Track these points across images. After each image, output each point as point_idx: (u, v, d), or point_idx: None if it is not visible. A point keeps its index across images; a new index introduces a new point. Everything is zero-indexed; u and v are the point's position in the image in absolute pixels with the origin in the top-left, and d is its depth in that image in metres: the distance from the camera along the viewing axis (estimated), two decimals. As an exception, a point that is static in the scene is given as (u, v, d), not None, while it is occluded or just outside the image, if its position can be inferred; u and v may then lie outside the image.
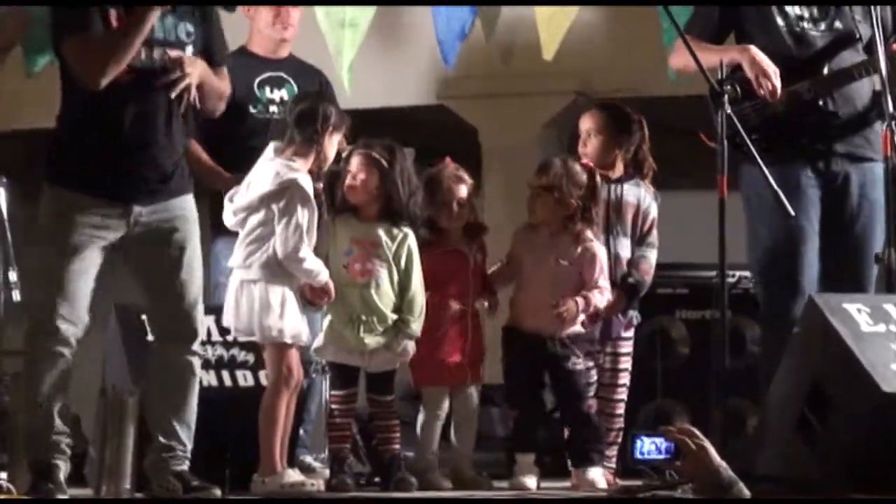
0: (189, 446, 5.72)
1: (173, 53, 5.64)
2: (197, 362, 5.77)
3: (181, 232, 5.73)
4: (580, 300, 6.20)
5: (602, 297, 6.28)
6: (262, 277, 5.82)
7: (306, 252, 5.83)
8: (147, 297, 5.81)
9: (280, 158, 5.89)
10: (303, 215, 5.83)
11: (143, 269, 5.75)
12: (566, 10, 7.84)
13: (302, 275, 5.84)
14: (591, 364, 6.36)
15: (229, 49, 6.14)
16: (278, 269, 5.83)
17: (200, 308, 5.76)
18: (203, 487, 5.63)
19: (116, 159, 5.63)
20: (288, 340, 5.83)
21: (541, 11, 7.86)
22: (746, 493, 4.58)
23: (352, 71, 7.74)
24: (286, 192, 5.82)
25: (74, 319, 5.59)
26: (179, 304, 5.72)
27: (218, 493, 5.65)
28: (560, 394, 6.27)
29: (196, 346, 5.75)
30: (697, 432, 4.68)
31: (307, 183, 5.84)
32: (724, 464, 4.60)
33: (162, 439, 5.69)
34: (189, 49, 5.69)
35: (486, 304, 6.37)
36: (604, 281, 6.30)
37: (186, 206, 5.76)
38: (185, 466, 5.70)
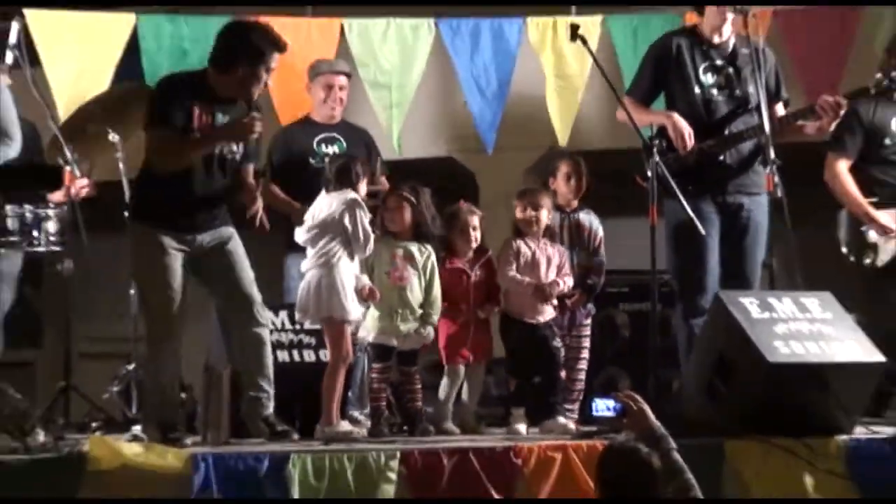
0: (272, 392, 5.67)
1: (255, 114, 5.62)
2: (265, 332, 5.70)
3: (230, 244, 5.74)
4: (561, 281, 6.22)
5: (570, 280, 6.28)
6: (333, 274, 5.82)
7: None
8: (217, 294, 5.78)
9: (333, 192, 5.94)
10: (367, 219, 5.86)
11: (212, 275, 5.74)
12: (574, 92, 7.79)
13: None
14: (561, 344, 6.35)
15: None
16: (346, 268, 5.84)
17: (256, 292, 5.70)
18: (285, 431, 5.63)
19: (189, 205, 5.63)
20: (350, 318, 5.83)
21: (551, 102, 7.83)
22: (673, 443, 4.54)
23: (401, 141, 7.90)
24: (350, 208, 5.84)
25: (179, 319, 5.63)
26: (240, 292, 5.69)
27: (296, 436, 5.64)
28: (543, 365, 6.19)
29: (261, 318, 5.69)
30: (638, 397, 4.69)
31: (360, 199, 5.91)
32: (657, 421, 4.61)
33: (251, 392, 5.68)
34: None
35: (483, 312, 6.24)
36: (568, 268, 6.30)
37: (230, 229, 5.77)
38: (271, 409, 5.67)
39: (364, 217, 5.87)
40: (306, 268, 5.91)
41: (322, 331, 5.97)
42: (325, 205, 5.92)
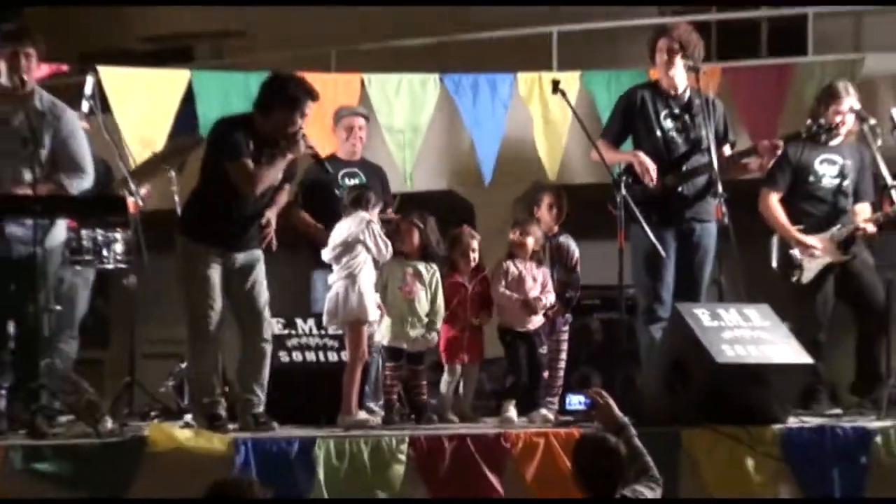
0: (263, 398, 5.62)
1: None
2: (268, 348, 5.66)
3: (257, 267, 5.72)
4: (544, 298, 6.21)
5: (552, 297, 6.27)
6: (357, 283, 5.87)
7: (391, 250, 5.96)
8: (236, 308, 5.71)
9: (349, 216, 6.02)
10: (382, 232, 5.94)
11: (234, 290, 5.68)
12: (559, 136, 7.84)
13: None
14: (546, 350, 6.33)
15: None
16: (367, 278, 5.89)
17: (268, 312, 5.67)
18: (266, 422, 5.55)
19: (234, 224, 5.65)
20: (370, 318, 5.88)
21: (540, 145, 7.90)
22: (634, 431, 4.57)
23: (412, 176, 7.99)
24: (367, 226, 5.91)
25: (218, 321, 5.61)
26: (256, 311, 5.66)
27: (276, 426, 5.54)
28: (531, 366, 6.19)
29: (267, 335, 5.65)
30: (605, 393, 4.74)
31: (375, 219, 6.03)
32: (620, 413, 4.67)
33: (246, 395, 5.63)
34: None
35: (477, 320, 6.24)
36: (550, 287, 6.31)
37: (259, 251, 5.76)
38: (260, 409, 5.61)
39: (378, 229, 5.92)
40: (333, 280, 5.95)
41: (343, 335, 6.02)
42: (345, 228, 6.00)
